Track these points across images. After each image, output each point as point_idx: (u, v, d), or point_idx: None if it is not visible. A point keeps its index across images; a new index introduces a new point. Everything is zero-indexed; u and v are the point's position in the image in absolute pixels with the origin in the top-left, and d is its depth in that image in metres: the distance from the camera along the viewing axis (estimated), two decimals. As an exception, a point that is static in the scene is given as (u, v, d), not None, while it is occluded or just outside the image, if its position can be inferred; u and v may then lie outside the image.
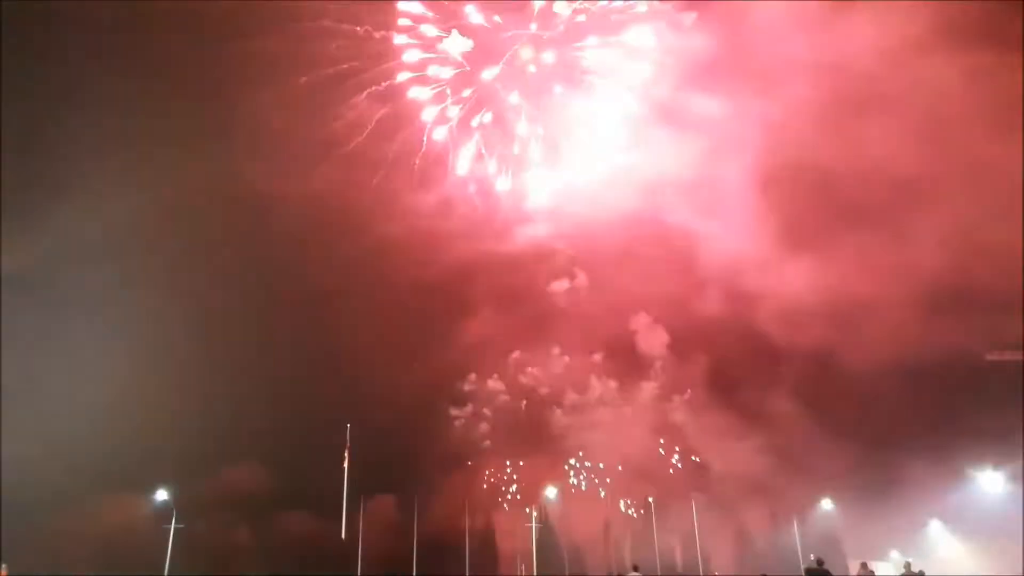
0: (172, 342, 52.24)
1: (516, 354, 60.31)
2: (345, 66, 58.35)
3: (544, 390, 59.67)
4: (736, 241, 58.43)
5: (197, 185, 54.19)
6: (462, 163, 61.86)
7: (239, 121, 54.22)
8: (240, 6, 53.88)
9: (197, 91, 56.31)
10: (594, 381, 58.72)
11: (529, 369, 60.40)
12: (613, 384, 58.59)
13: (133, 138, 55.88)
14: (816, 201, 57.83)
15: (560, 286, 61.04)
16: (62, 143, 54.35)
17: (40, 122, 53.38)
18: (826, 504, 54.49)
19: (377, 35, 59.40)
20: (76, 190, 53.16)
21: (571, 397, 58.52)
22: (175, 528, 45.51)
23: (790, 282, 56.70)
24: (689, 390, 58.05)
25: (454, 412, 57.74)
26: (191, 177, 54.34)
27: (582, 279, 61.27)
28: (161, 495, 46.29)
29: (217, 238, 54.91)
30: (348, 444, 49.22)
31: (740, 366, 57.44)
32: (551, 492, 51.80)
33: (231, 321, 53.44)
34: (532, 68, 61.33)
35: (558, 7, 60.55)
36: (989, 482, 51.29)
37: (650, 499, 53.69)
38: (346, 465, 47.91)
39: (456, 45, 60.12)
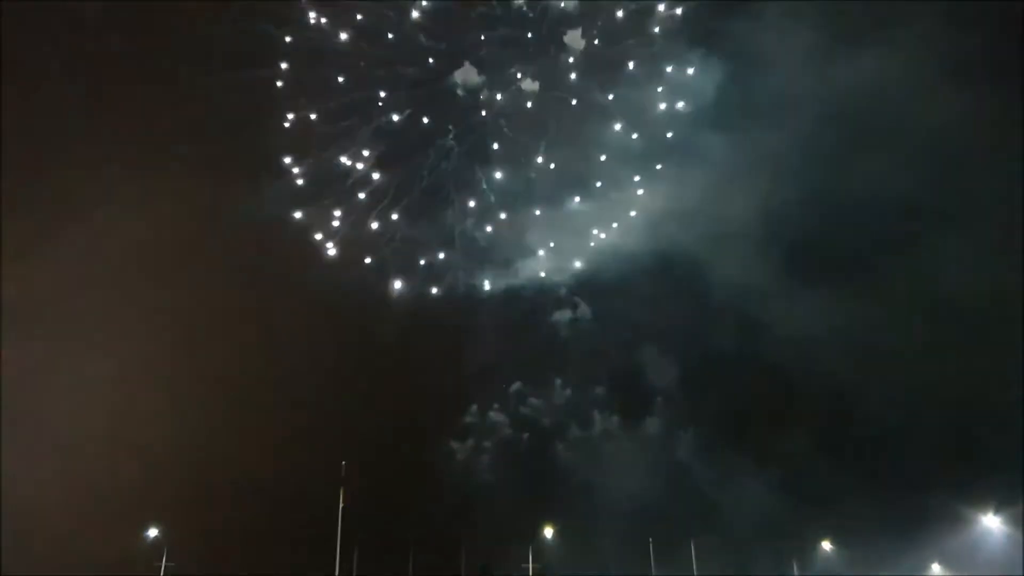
0: (166, 375, 51.43)
1: (517, 385, 59.71)
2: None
3: (545, 422, 59.05)
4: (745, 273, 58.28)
5: (199, 212, 53.62)
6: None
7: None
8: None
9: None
10: (597, 415, 58.23)
11: (531, 400, 59.72)
12: (616, 419, 58.03)
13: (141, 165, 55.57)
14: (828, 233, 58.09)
15: (562, 316, 60.68)
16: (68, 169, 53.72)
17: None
18: (826, 545, 54.05)
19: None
20: (81, 216, 52.76)
21: (573, 431, 57.97)
22: (166, 566, 45.03)
23: (801, 315, 56.80)
24: (693, 427, 57.46)
25: (454, 445, 57.04)
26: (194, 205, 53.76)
27: (585, 310, 60.80)
28: (152, 532, 45.77)
29: (216, 269, 54.14)
30: (343, 480, 48.29)
31: (750, 401, 57.38)
32: (549, 532, 50.92)
33: (227, 355, 52.69)
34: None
35: (569, 39, 60.30)
36: (990, 525, 51.18)
37: (650, 540, 52.88)
38: (341, 504, 47.04)
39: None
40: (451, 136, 60.24)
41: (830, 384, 56.23)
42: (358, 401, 53.47)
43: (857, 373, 55.53)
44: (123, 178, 54.27)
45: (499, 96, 60.83)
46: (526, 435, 58.76)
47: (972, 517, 51.50)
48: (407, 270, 58.82)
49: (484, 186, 60.51)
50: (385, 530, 50.33)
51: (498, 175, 61.12)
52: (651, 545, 52.62)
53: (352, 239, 58.74)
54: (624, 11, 59.81)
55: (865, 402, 55.76)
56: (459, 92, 60.32)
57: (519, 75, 60.52)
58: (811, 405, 56.82)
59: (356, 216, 59.46)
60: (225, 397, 51.66)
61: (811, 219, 56.72)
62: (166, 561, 45.56)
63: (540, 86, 60.39)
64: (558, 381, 59.62)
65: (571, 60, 60.45)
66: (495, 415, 58.79)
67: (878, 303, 55.93)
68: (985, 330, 53.09)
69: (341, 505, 47.34)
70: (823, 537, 54.26)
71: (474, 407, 58.79)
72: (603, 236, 59.22)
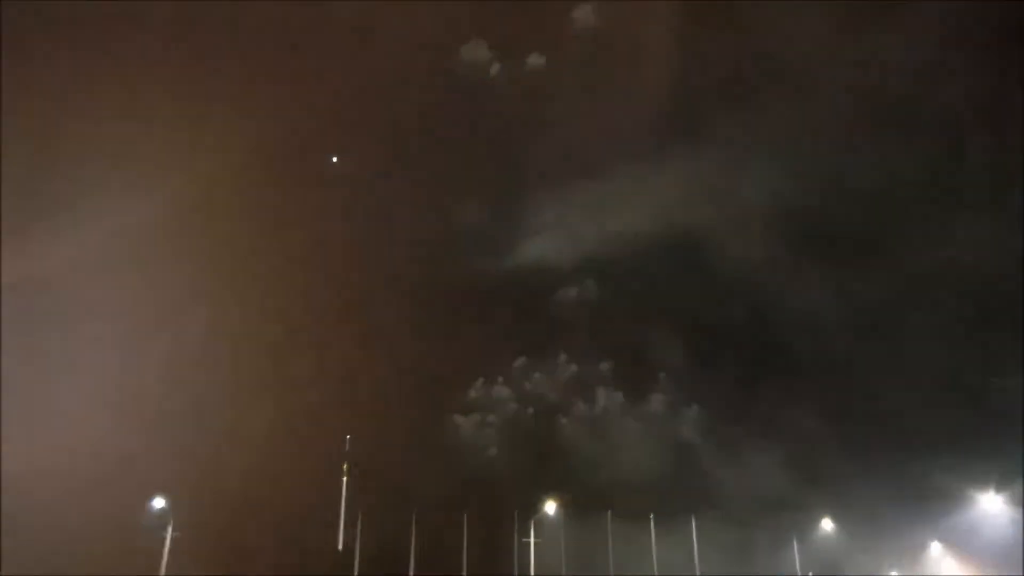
0: (170, 349, 51.48)
1: (522, 360, 59.69)
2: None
3: (550, 398, 59.08)
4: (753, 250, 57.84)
5: (205, 194, 53.30)
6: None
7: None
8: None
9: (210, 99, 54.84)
10: (601, 391, 58.23)
11: (536, 375, 59.68)
12: (620, 395, 58.00)
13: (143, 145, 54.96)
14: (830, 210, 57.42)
15: (568, 293, 60.28)
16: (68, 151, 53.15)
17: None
18: (826, 524, 54.29)
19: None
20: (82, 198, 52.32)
21: (578, 407, 57.96)
22: (172, 536, 45.31)
23: (809, 293, 56.44)
24: (697, 404, 57.44)
25: (458, 420, 57.15)
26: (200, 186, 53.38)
27: (591, 287, 60.37)
28: (159, 503, 46.00)
29: (222, 249, 53.98)
30: (347, 454, 48.65)
31: (755, 378, 57.28)
32: (551, 508, 51.20)
33: (231, 327, 52.68)
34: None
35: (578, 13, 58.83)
36: (990, 504, 51.20)
37: (651, 515, 53.15)
38: (344, 479, 47.41)
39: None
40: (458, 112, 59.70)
41: (836, 362, 56.28)
42: (361, 377, 53.40)
43: (864, 351, 55.54)
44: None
45: (505, 71, 60.11)
46: (530, 410, 58.94)
47: (973, 496, 51.71)
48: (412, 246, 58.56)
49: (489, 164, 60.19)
50: (388, 504, 50.70)
51: (505, 153, 60.54)
52: (652, 520, 52.86)
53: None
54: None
55: (870, 380, 55.72)
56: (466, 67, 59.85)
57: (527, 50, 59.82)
58: (817, 382, 56.87)
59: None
60: (228, 364, 51.74)
61: (821, 198, 56.27)
62: (172, 531, 45.84)
63: (547, 61, 59.43)
64: (563, 356, 59.68)
65: (580, 36, 59.52)
66: (500, 389, 58.89)
67: (887, 283, 55.67)
68: (994, 310, 52.82)
69: (344, 478, 47.73)
70: (824, 514, 54.50)
71: (479, 381, 58.89)
72: (611, 214, 58.69)
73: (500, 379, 59.23)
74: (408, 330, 56.68)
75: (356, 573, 46.95)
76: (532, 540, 50.17)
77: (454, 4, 61.26)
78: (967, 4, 51.98)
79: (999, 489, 51.18)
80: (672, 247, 58.43)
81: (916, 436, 53.50)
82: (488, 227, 61.10)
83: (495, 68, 64.22)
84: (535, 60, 63.44)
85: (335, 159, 60.02)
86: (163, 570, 43.73)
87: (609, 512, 52.23)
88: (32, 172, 51.30)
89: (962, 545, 51.98)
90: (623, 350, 59.62)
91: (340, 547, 46.40)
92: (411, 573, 48.03)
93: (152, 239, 54.56)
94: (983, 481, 51.26)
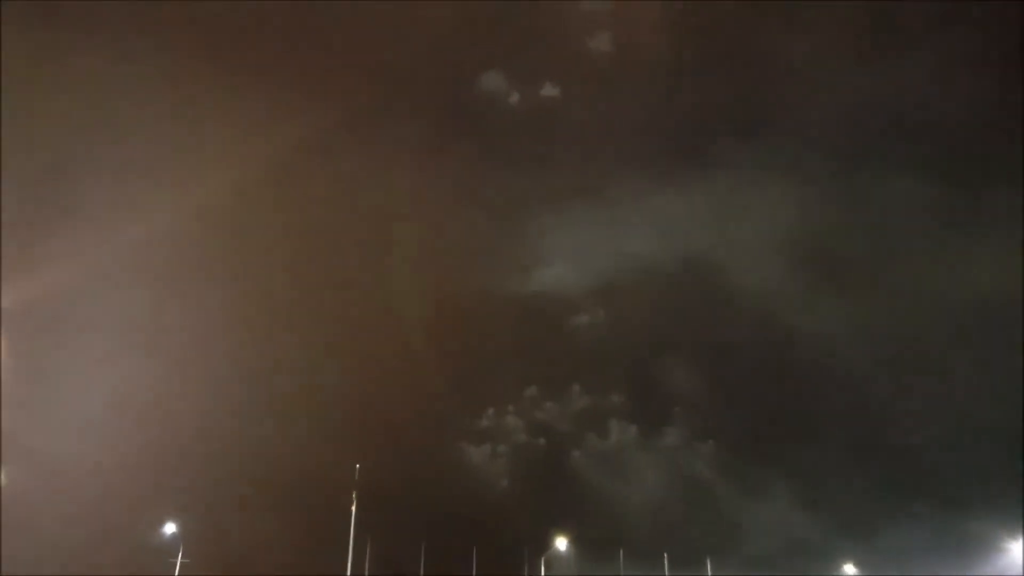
0: (178, 369, 51.93)
1: (532, 390, 59.16)
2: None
3: (561, 429, 58.33)
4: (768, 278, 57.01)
5: (215, 212, 54.12)
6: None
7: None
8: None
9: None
10: (614, 424, 57.37)
11: (547, 405, 58.99)
12: (634, 428, 57.07)
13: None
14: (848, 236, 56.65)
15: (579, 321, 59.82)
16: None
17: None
18: (849, 569, 52.33)
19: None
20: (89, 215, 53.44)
21: (590, 440, 57.15)
22: (181, 562, 45.39)
23: (827, 321, 55.36)
24: (713, 439, 56.26)
25: (469, 449, 56.74)
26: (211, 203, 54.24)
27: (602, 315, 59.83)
28: (169, 528, 46.18)
29: (234, 267, 54.66)
30: (357, 481, 48.22)
31: (773, 411, 56.01)
32: (562, 543, 50.25)
33: (241, 352, 53.08)
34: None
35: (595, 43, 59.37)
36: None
37: (664, 554, 51.86)
38: (353, 508, 46.97)
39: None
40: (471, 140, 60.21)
41: (859, 394, 54.79)
42: (371, 405, 53.33)
43: (889, 383, 54.01)
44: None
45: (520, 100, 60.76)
46: (541, 441, 58.24)
47: (1010, 543, 49.53)
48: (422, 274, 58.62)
49: (501, 190, 60.42)
50: (398, 533, 50.20)
51: (516, 179, 60.75)
52: (666, 560, 51.58)
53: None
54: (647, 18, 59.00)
55: (897, 414, 54.07)
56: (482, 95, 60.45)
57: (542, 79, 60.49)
58: (839, 416, 55.38)
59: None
60: (238, 392, 51.99)
61: (837, 224, 55.63)
62: (181, 558, 45.94)
63: (562, 90, 59.98)
64: (575, 387, 59.06)
65: (593, 65, 59.99)
66: (511, 419, 58.32)
67: (907, 310, 54.28)
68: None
69: (354, 508, 47.30)
70: (847, 559, 52.63)
71: (490, 411, 58.39)
72: (625, 242, 58.31)
73: (511, 408, 58.69)
74: (418, 357, 56.59)
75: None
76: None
77: (474, 35, 62.37)
78: (974, 31, 51.94)
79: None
80: (687, 276, 58.13)
81: (946, 478, 51.65)
82: (501, 254, 61.10)
83: (512, 97, 65.03)
84: (550, 90, 64.16)
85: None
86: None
87: (621, 550, 51.25)
88: (38, 186, 52.44)
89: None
90: (637, 381, 59.05)
91: (349, 574, 45.89)
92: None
93: (160, 254, 55.28)
94: (1014, 527, 49.20)
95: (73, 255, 52.13)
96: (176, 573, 45.06)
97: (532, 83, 62.73)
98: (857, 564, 52.02)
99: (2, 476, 43.34)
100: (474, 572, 49.41)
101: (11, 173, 51.10)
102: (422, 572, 48.41)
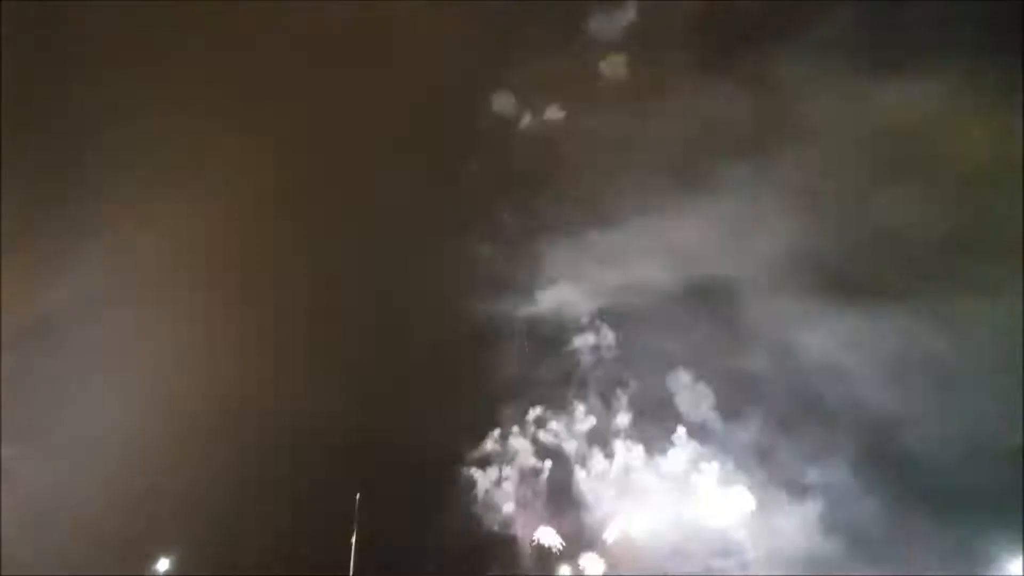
0: (179, 400, 51.09)
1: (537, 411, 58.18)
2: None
3: (567, 450, 57.32)
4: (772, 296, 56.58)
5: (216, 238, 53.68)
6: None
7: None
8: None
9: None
10: (619, 444, 56.36)
11: (552, 425, 58.06)
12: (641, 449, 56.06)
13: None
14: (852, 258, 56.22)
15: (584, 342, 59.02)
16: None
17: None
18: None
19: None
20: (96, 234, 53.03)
21: (597, 462, 56.16)
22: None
23: (837, 342, 54.81)
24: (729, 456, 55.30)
25: (474, 474, 55.61)
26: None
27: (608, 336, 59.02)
28: (163, 565, 45.36)
29: (230, 292, 54.11)
30: (356, 515, 47.30)
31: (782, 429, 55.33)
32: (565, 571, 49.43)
33: (238, 379, 52.25)
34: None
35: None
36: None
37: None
38: (354, 539, 46.00)
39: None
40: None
41: (872, 413, 54.29)
42: (374, 430, 52.35)
43: (902, 404, 53.49)
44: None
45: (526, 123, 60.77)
46: (547, 462, 57.27)
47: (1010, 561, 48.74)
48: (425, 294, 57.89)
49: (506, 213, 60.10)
50: (400, 564, 49.28)
51: (522, 202, 60.33)
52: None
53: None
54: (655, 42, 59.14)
55: (912, 435, 53.45)
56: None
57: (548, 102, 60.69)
58: (851, 434, 54.81)
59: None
60: (236, 420, 51.19)
61: (841, 246, 55.69)
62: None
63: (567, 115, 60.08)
64: (580, 408, 58.13)
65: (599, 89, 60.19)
66: (515, 441, 57.38)
67: (919, 332, 53.75)
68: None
69: (354, 539, 46.48)
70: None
71: (495, 432, 57.50)
72: (630, 261, 57.65)
73: (515, 429, 57.72)
74: (422, 382, 55.66)
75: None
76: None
77: (484, 55, 62.45)
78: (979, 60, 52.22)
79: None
80: (692, 295, 57.43)
81: (951, 494, 50.99)
82: (505, 274, 60.53)
83: (521, 118, 65.57)
84: (557, 112, 64.78)
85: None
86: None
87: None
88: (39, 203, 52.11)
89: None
90: (643, 401, 57.96)
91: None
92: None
93: (161, 277, 55.01)
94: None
95: (74, 274, 51.85)
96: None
97: (541, 105, 63.68)
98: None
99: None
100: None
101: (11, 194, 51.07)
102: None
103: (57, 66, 55.31)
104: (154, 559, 45.22)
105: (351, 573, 45.39)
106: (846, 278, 56.69)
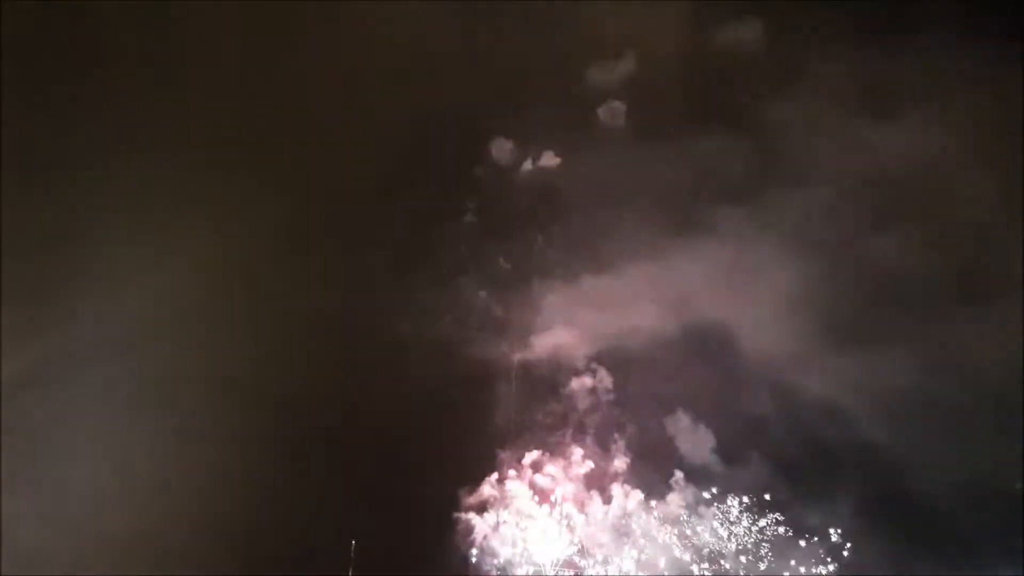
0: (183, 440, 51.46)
1: (534, 455, 57.93)
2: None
3: (565, 493, 56.91)
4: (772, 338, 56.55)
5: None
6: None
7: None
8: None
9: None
10: (617, 489, 55.96)
11: (548, 469, 57.77)
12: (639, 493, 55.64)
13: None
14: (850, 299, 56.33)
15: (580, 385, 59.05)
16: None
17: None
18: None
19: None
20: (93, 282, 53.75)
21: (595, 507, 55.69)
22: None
23: (837, 383, 54.58)
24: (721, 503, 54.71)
25: (471, 519, 55.25)
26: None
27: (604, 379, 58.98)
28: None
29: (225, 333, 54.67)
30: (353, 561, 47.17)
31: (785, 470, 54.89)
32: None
33: (237, 420, 52.61)
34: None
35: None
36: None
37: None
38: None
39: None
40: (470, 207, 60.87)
41: (876, 454, 53.90)
42: (369, 476, 52.40)
43: (903, 445, 53.13)
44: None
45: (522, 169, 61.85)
46: (545, 507, 56.78)
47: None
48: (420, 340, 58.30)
49: (502, 259, 60.75)
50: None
51: (517, 248, 61.21)
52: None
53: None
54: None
55: (914, 477, 52.97)
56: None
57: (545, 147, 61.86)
58: (854, 474, 54.32)
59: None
60: (233, 462, 51.27)
61: (843, 291, 55.67)
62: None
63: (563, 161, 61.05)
64: (577, 452, 57.88)
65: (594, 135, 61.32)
66: (512, 485, 57.07)
67: (920, 374, 53.57)
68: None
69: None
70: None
71: (493, 477, 57.26)
72: (626, 308, 57.88)
73: (513, 474, 57.43)
74: (416, 421, 55.73)
75: None
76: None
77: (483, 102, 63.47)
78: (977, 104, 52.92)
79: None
80: (690, 338, 57.67)
81: (959, 538, 50.32)
82: (502, 318, 60.86)
83: (519, 165, 66.63)
84: (554, 158, 66.01)
85: None
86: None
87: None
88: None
89: None
90: (640, 445, 57.66)
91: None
92: None
93: (161, 321, 55.51)
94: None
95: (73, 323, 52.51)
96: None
97: (538, 151, 65.03)
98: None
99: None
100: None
101: (12, 240, 51.93)
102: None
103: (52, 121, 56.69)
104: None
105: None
106: (845, 321, 57.00)
